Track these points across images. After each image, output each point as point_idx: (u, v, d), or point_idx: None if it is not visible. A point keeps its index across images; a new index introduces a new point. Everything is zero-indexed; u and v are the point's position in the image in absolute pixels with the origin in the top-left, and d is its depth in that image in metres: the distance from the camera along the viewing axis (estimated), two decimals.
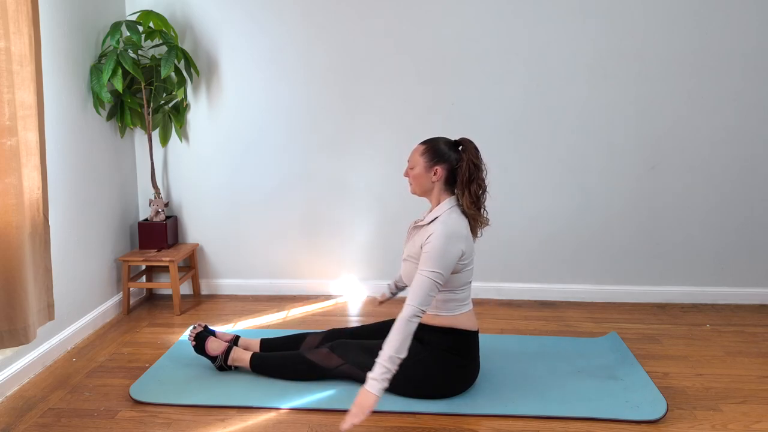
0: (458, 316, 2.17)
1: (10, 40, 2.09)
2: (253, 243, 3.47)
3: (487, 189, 2.17)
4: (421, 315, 1.98)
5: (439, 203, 2.17)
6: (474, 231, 2.18)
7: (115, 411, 2.17)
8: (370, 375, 1.93)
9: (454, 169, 2.14)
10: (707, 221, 3.28)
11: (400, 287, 2.58)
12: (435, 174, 2.14)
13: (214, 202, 3.44)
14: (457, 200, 2.16)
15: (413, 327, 1.96)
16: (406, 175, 2.22)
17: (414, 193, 2.23)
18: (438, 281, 2.01)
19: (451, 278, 2.12)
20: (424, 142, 2.20)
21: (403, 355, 1.94)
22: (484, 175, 2.15)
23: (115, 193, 3.22)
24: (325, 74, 3.27)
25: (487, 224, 2.19)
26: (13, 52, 2.10)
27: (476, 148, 2.15)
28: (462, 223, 2.12)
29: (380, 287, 3.43)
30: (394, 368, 1.93)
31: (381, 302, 2.65)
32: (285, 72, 3.28)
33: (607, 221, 3.31)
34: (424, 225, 2.16)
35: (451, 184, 2.17)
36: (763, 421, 2.11)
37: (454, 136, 2.23)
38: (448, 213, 2.12)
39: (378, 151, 3.32)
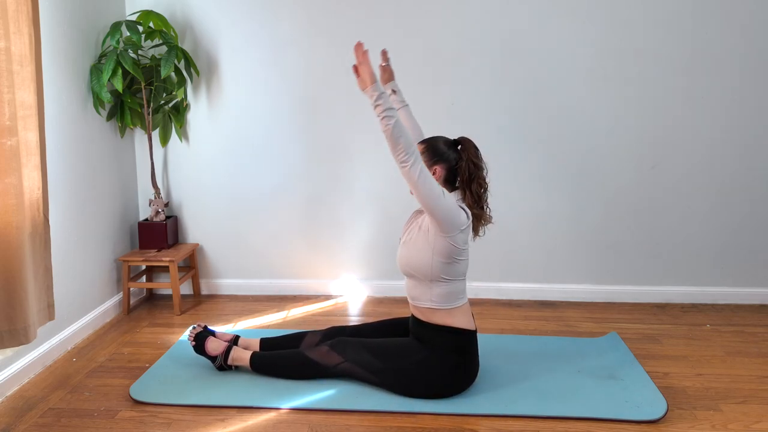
0: (455, 312, 2.17)
1: (10, 40, 2.09)
2: (253, 243, 3.47)
3: (489, 188, 2.17)
4: (409, 156, 1.95)
5: None
6: (476, 229, 2.18)
7: (115, 411, 2.18)
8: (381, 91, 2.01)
9: (454, 168, 2.15)
10: (707, 221, 3.27)
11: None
12: (434, 173, 2.14)
13: (214, 202, 3.44)
14: (461, 196, 2.16)
15: (393, 131, 1.95)
16: None
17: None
18: (425, 180, 1.96)
19: (449, 268, 2.12)
20: (423, 142, 2.20)
21: (385, 106, 1.98)
22: (484, 174, 2.15)
23: (115, 193, 3.22)
24: (325, 74, 3.27)
25: (491, 222, 2.19)
26: (13, 52, 2.11)
27: (475, 147, 2.15)
28: (464, 214, 2.11)
29: (380, 287, 3.45)
30: (380, 111, 1.98)
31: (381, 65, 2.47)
32: (285, 72, 3.28)
33: (607, 221, 3.31)
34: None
35: (451, 183, 2.18)
36: (763, 421, 2.11)
37: (453, 136, 2.24)
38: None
39: (378, 151, 3.32)
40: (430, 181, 1.98)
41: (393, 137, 1.95)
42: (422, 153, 2.16)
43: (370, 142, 3.31)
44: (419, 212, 2.22)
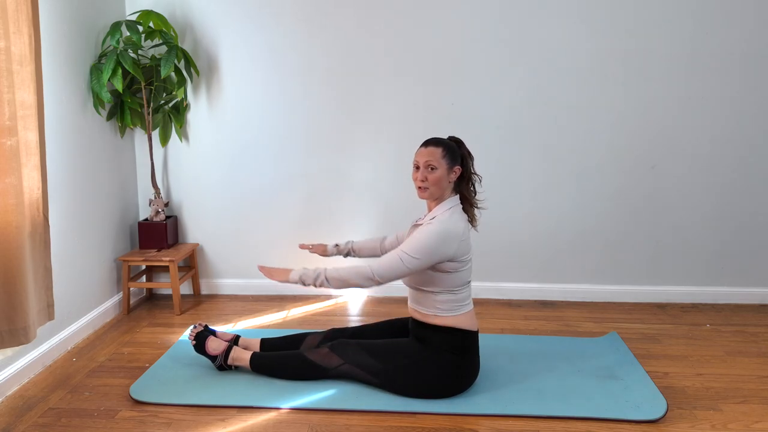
0: (459, 316, 2.17)
1: (10, 40, 2.09)
2: (253, 243, 3.47)
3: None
4: (373, 284, 2.08)
5: (442, 202, 2.18)
6: (472, 218, 2.22)
7: (115, 411, 2.18)
8: (304, 268, 2.11)
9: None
10: (707, 221, 3.27)
11: (352, 254, 2.56)
12: (454, 173, 2.18)
13: (214, 202, 3.44)
14: (459, 199, 2.19)
15: (359, 282, 2.07)
16: (424, 178, 2.14)
17: (430, 197, 2.17)
18: (409, 266, 2.05)
19: (449, 278, 2.12)
20: (439, 144, 2.16)
21: (332, 286, 2.09)
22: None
23: (115, 193, 3.22)
24: (324, 74, 3.27)
25: (480, 206, 2.25)
26: (13, 52, 2.10)
27: (464, 142, 2.26)
28: (461, 223, 2.13)
29: (380, 287, 3.44)
30: (319, 283, 2.08)
31: (310, 250, 2.55)
32: (285, 72, 3.28)
33: (607, 221, 3.31)
34: (422, 225, 2.16)
35: (458, 182, 2.22)
36: (763, 421, 2.11)
37: (454, 136, 2.27)
38: (449, 212, 2.13)
39: (377, 151, 3.32)
40: (407, 262, 2.05)
41: (345, 286, 2.10)
42: (444, 156, 2.13)
43: (369, 141, 3.32)
44: (416, 226, 2.22)
